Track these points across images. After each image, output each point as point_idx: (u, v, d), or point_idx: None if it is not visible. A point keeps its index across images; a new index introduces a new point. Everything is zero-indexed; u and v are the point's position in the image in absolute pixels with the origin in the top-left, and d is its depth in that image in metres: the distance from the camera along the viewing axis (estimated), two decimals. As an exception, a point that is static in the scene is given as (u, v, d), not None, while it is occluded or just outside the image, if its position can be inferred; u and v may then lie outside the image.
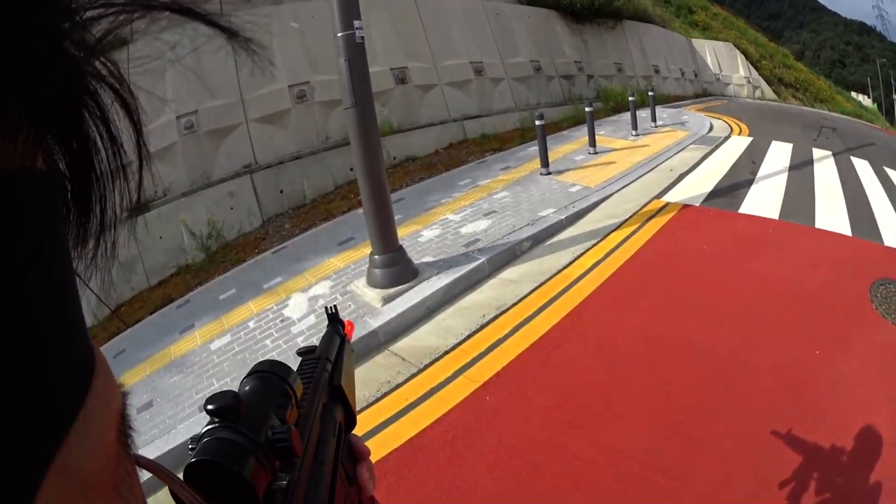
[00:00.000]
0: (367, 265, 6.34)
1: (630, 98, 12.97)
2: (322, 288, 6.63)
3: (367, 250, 6.38)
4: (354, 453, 0.79)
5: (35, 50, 0.24)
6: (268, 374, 0.61)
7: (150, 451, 4.52)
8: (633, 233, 7.15)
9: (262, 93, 11.43)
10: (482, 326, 5.41)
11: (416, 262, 6.37)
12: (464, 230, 7.46)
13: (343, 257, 7.42)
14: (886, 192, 9.05)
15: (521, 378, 4.60)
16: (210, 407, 0.50)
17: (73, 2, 0.27)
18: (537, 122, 9.29)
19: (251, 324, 6.23)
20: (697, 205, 8.05)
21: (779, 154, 11.50)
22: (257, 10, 12.36)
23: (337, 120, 11.73)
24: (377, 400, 4.59)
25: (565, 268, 6.38)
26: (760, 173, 9.85)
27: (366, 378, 4.92)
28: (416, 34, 14.15)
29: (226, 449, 0.48)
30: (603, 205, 8.17)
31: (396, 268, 6.03)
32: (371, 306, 5.84)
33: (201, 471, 0.47)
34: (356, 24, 5.57)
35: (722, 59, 30.78)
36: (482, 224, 7.57)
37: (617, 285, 5.91)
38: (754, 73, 32.04)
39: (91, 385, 0.28)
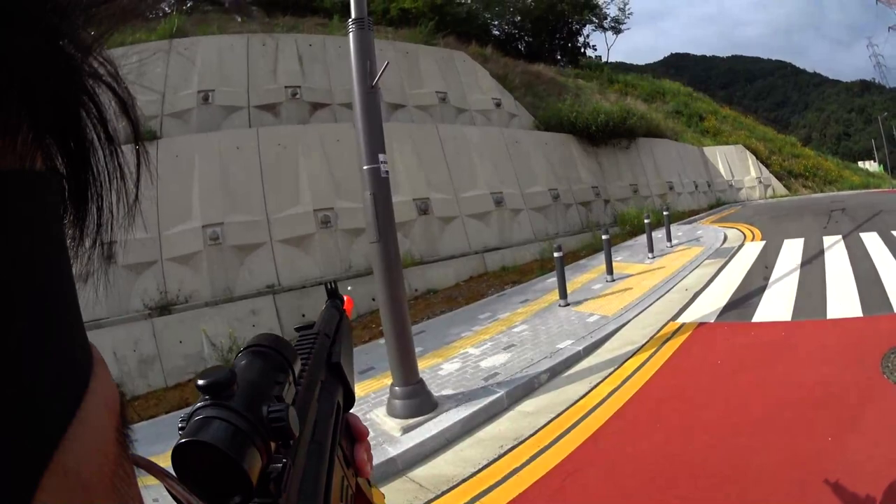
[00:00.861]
0: (387, 395, 6.51)
1: (646, 220, 13.35)
2: (349, 412, 6.81)
3: (388, 380, 6.57)
4: (353, 433, 0.77)
5: (34, 50, 0.25)
6: (265, 348, 0.57)
7: None
8: (650, 357, 7.31)
9: (288, 214, 12.00)
10: (499, 456, 5.55)
11: (435, 394, 6.58)
12: (483, 364, 7.69)
13: (364, 386, 7.61)
14: (895, 255, 9.40)
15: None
16: (201, 382, 0.47)
17: (70, 2, 0.27)
18: (556, 255, 9.62)
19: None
20: (712, 321, 8.24)
21: (791, 252, 11.84)
22: (284, 127, 13.31)
23: (360, 248, 12.21)
24: None
25: (582, 398, 6.52)
26: (773, 276, 10.12)
27: (385, 501, 5.11)
28: (438, 164, 14.75)
29: (217, 429, 0.45)
30: (621, 332, 8.37)
31: (416, 399, 6.24)
32: (390, 435, 6.01)
33: (190, 452, 0.45)
34: (381, 157, 5.97)
35: (733, 163, 31.50)
36: (501, 358, 7.80)
37: (632, 411, 6.03)
38: (765, 172, 32.81)
39: (89, 385, 0.29)
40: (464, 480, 5.25)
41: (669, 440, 5.34)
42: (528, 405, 6.64)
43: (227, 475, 0.45)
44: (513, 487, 5.00)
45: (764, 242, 13.56)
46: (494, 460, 5.52)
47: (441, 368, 7.86)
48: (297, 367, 0.60)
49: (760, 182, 31.79)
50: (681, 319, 8.55)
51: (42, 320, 0.25)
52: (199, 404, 0.47)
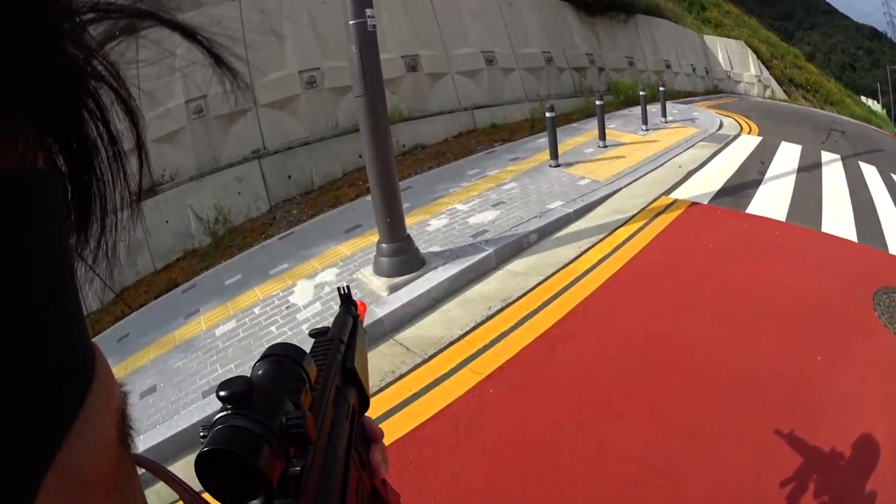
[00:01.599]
0: (374, 253, 6.35)
1: (641, 93, 12.96)
2: (328, 275, 6.65)
3: (375, 238, 6.38)
4: (368, 436, 0.78)
5: (36, 50, 0.25)
6: (281, 357, 0.59)
7: (152, 435, 4.60)
8: (641, 229, 7.14)
9: (272, 78, 11.38)
10: (487, 318, 5.43)
11: (423, 251, 6.39)
12: (472, 220, 7.47)
13: (350, 245, 7.43)
14: (893, 199, 9.01)
15: (524, 372, 4.62)
16: (222, 393, 0.48)
17: (73, 3, 0.27)
18: (548, 115, 9.28)
19: (256, 310, 6.26)
20: (706, 203, 8.04)
21: (788, 155, 11.46)
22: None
23: (346, 106, 11.65)
24: (381, 389, 4.61)
25: (572, 262, 6.37)
26: (769, 174, 9.82)
27: (370, 367, 4.99)
28: (428, 22, 14.10)
29: (239, 437, 0.46)
30: (611, 199, 8.15)
31: (403, 257, 6.05)
32: (377, 295, 5.86)
33: (214, 460, 0.46)
34: (368, 12, 5.56)
35: (733, 56, 30.57)
36: (490, 215, 7.58)
37: (622, 282, 5.90)
38: (765, 73, 31.72)
39: (91, 384, 0.28)
40: (451, 343, 5.13)
41: (658, 319, 5.23)
42: (516, 265, 6.48)
43: (249, 480, 0.46)
44: (501, 353, 4.89)
45: (761, 138, 12.96)
46: (482, 322, 5.40)
47: (429, 224, 7.61)
48: (313, 373, 0.61)
49: (760, 81, 30.41)
50: (674, 195, 8.32)
51: (44, 320, 0.25)
52: (220, 414, 0.48)
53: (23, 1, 0.24)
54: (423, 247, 6.55)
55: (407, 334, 5.41)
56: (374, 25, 5.67)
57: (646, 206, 7.86)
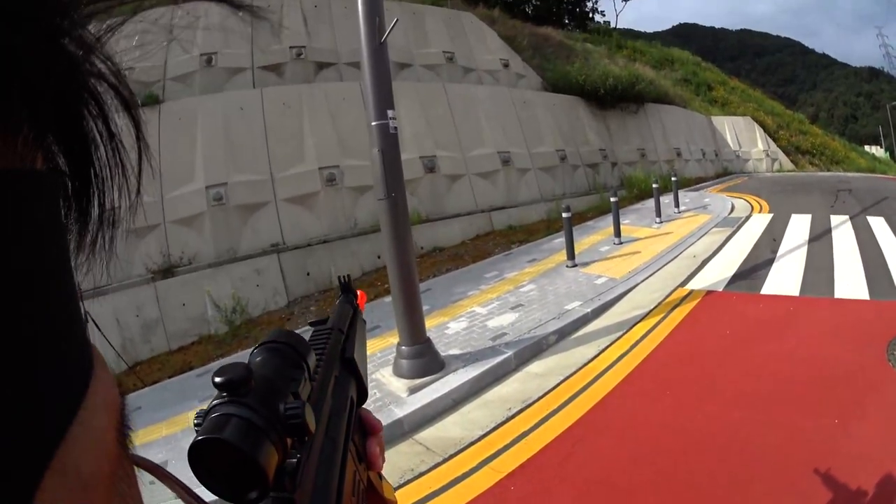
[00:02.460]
0: (393, 354, 6.31)
1: (654, 185, 13.09)
2: (346, 374, 6.60)
3: (394, 339, 6.35)
4: (365, 428, 0.75)
5: (35, 49, 0.25)
6: (280, 345, 0.56)
7: None
8: (658, 323, 7.11)
9: (293, 172, 11.71)
10: (507, 419, 5.36)
11: (442, 353, 6.36)
12: (490, 323, 7.45)
13: (370, 345, 7.27)
14: None
15: (545, 469, 4.52)
16: (218, 380, 0.46)
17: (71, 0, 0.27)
18: (564, 215, 9.37)
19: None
20: (721, 290, 8.05)
21: (798, 227, 11.59)
22: (288, 87, 12.92)
23: (365, 205, 11.95)
24: (398, 487, 4.51)
25: (591, 361, 6.32)
26: (781, 250, 9.89)
27: (388, 465, 4.90)
28: (446, 122, 14.42)
29: (235, 426, 0.43)
30: (629, 295, 8.15)
31: (423, 359, 6.03)
32: (396, 395, 5.81)
33: (208, 449, 0.43)
34: (390, 113, 5.73)
35: (741, 134, 30.95)
36: (509, 317, 7.57)
37: (641, 377, 5.84)
38: (772, 146, 32.24)
39: (89, 385, 0.28)
40: (471, 444, 5.05)
41: (678, 410, 5.16)
42: (536, 367, 6.42)
43: (245, 471, 0.43)
44: (521, 452, 4.81)
45: (771, 215, 13.25)
46: (502, 423, 5.32)
47: (448, 327, 7.59)
48: (312, 363, 0.59)
49: (768, 155, 31.06)
50: (689, 286, 8.34)
51: (42, 320, 0.25)
52: (216, 401, 0.46)
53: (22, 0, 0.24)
54: (443, 349, 6.53)
55: (426, 434, 5.33)
56: (395, 127, 5.83)
57: (662, 300, 7.84)
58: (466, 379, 5.94)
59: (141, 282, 10.14)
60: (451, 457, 4.89)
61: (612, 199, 10.99)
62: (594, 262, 9.94)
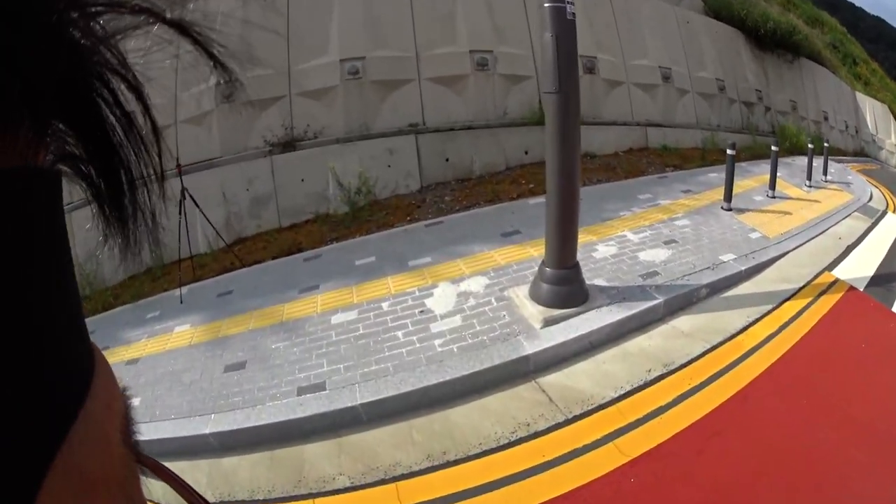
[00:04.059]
0: (530, 269, 5.64)
1: (809, 146, 12.13)
2: (475, 284, 5.79)
3: (533, 250, 5.72)
4: None
5: (34, 50, 0.23)
6: None
7: (225, 420, 4.21)
8: (806, 308, 6.02)
9: (440, 52, 10.58)
10: (645, 384, 4.51)
11: (587, 283, 5.44)
12: (642, 256, 6.42)
13: (505, 253, 6.51)
14: None
15: (671, 463, 3.77)
16: None
17: None
18: (728, 152, 8.35)
19: (385, 305, 5.51)
20: (861, 289, 6.73)
21: None
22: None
23: (517, 96, 10.94)
24: (509, 445, 3.90)
25: (738, 334, 5.35)
26: None
27: (502, 412, 4.19)
28: (609, 27, 13.18)
29: None
30: (779, 263, 7.00)
31: (567, 288, 5.10)
32: (529, 325, 4.96)
33: None
34: None
35: (879, 120, 28.56)
36: (661, 254, 6.53)
37: (784, 372, 4.85)
38: None
39: (91, 386, 0.28)
40: (601, 406, 4.27)
41: (811, 423, 4.17)
42: (683, 322, 5.44)
43: None
44: (652, 433, 4.01)
45: None
46: (639, 388, 4.49)
47: (595, 249, 6.58)
48: None
49: None
50: (835, 273, 7.08)
51: (42, 319, 0.25)
52: None
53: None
54: (588, 276, 5.56)
55: (552, 380, 4.53)
56: (573, 13, 4.72)
57: (810, 281, 6.68)
58: (610, 321, 5.01)
59: (257, 154, 9.46)
60: (576, 419, 4.14)
61: (773, 149, 10.01)
62: (748, 210, 8.78)
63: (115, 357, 5.59)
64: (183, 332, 5.81)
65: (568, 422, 4.08)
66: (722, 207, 8.60)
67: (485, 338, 4.83)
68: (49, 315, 0.25)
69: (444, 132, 10.34)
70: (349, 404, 4.25)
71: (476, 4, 11.06)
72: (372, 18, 10.28)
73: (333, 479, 3.78)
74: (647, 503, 3.50)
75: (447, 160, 10.21)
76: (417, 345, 4.79)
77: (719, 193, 8.82)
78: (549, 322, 4.91)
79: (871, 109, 28.17)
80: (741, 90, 17.21)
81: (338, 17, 10.03)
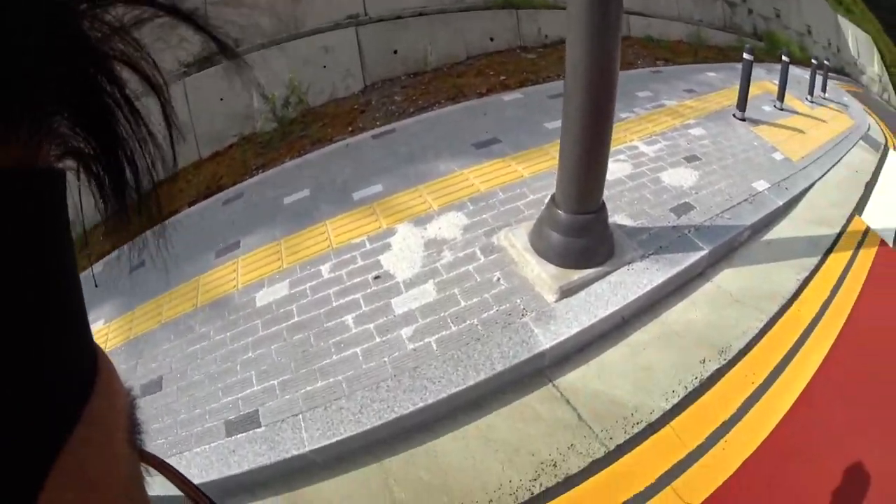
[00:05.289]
0: (523, 198, 4.34)
1: (813, 61, 11.56)
2: (449, 224, 4.22)
3: (523, 168, 4.58)
4: None
5: (36, 40, 0.23)
6: None
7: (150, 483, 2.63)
8: (849, 267, 4.81)
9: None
10: (701, 386, 3.25)
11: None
12: (665, 179, 4.90)
13: (484, 173, 4.89)
14: None
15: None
16: None
17: None
18: (745, 56, 7.21)
19: (325, 269, 3.94)
20: (889, 244, 5.50)
21: None
22: None
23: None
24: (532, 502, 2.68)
25: (793, 299, 4.12)
26: None
27: (514, 441, 2.90)
28: None
29: None
30: (809, 197, 5.72)
31: (590, 240, 3.57)
32: (536, 294, 3.48)
33: None
34: None
35: (861, 46, 28.13)
36: (687, 175, 5.03)
37: (842, 361, 3.66)
38: (885, 77, 28.57)
39: (94, 386, 0.27)
40: (650, 428, 3.02)
41: (880, 439, 3.03)
42: (728, 278, 4.13)
43: None
44: (717, 464, 2.89)
45: None
46: (694, 393, 3.22)
47: (605, 166, 5.08)
48: None
49: (880, 81, 27.36)
50: (864, 218, 5.82)
51: (43, 319, 0.24)
52: None
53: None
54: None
55: (577, 381, 3.16)
56: None
57: (845, 227, 5.46)
58: (648, 287, 3.57)
59: (170, 79, 7.56)
60: (619, 451, 2.89)
61: (784, 59, 9.07)
62: (762, 123, 7.54)
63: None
64: (98, 332, 4.33)
65: (610, 456, 2.82)
66: (734, 115, 7.45)
67: (475, 321, 3.33)
68: (50, 315, 0.24)
69: (391, 21, 8.67)
70: (295, 452, 2.89)
71: None
72: None
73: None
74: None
75: (395, 52, 8.54)
76: (377, 339, 3.29)
77: (725, 97, 7.79)
78: (566, 292, 3.42)
79: (853, 35, 27.99)
80: (724, -15, 16.34)
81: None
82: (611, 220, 3.93)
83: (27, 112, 0.23)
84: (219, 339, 3.65)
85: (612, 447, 2.83)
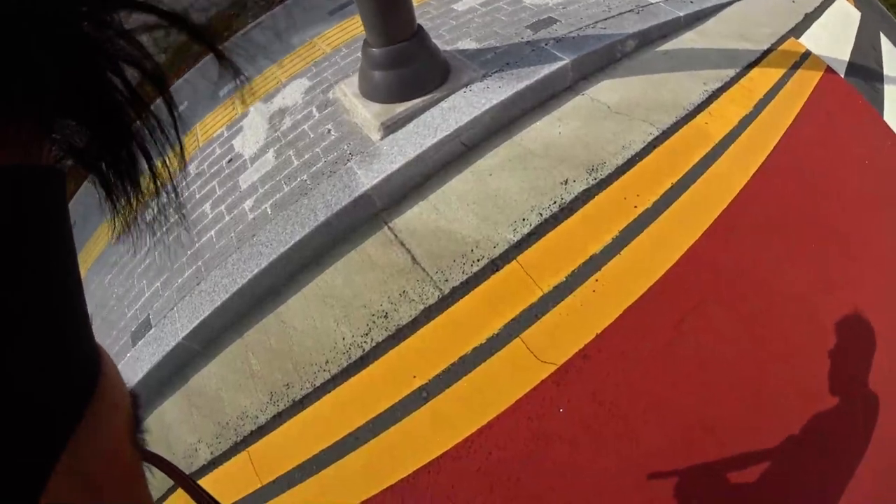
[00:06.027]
0: (351, 52, 4.23)
1: None
2: (293, 92, 4.16)
3: (355, 32, 4.37)
4: None
5: (41, 40, 0.23)
6: None
7: None
8: (781, 84, 4.00)
9: None
10: (560, 209, 2.90)
11: (447, 49, 3.77)
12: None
13: (328, 36, 4.71)
14: None
15: (625, 366, 2.36)
16: None
17: None
18: None
19: (192, 168, 3.97)
20: (841, 75, 4.58)
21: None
22: None
23: None
24: (363, 360, 2.62)
25: (698, 111, 3.51)
26: (886, 70, 5.43)
27: (349, 296, 2.83)
28: None
29: None
30: (724, 14, 4.72)
31: (410, 69, 3.38)
32: (363, 136, 3.38)
33: None
34: None
35: None
36: (553, -9, 4.47)
37: (773, 188, 3.11)
38: None
39: (97, 386, 0.27)
40: (492, 264, 2.76)
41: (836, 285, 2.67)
42: (606, 90, 3.63)
43: None
44: (589, 313, 2.54)
45: (860, 14, 8.30)
46: (551, 220, 2.89)
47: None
48: None
49: None
50: (803, 41, 4.80)
51: (46, 320, 0.24)
52: None
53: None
54: (448, 41, 3.88)
55: (412, 220, 3.04)
56: None
57: (774, 46, 4.52)
58: (487, 105, 3.31)
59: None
60: (455, 293, 2.70)
61: None
62: None
63: None
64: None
65: (444, 301, 2.66)
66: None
67: (305, 177, 3.30)
68: (52, 314, 0.24)
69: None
70: (172, 342, 2.97)
71: None
72: None
73: (196, 451, 2.71)
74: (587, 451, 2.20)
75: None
76: (227, 217, 3.33)
77: None
78: (389, 127, 3.31)
79: None
80: None
81: None
82: (451, 47, 3.76)
83: (28, 111, 0.24)
84: (123, 261, 3.77)
85: (446, 290, 2.67)
